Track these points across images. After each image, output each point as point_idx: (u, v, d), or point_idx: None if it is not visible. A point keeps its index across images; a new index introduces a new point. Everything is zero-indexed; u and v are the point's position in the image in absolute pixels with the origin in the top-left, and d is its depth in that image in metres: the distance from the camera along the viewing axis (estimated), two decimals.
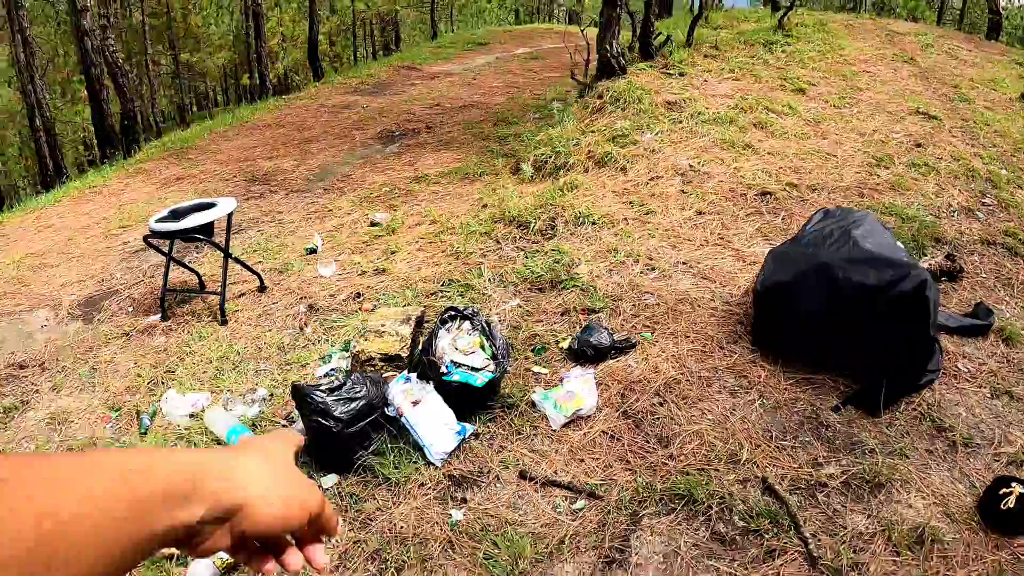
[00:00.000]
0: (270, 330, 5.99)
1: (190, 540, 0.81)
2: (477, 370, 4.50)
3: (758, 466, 4.08)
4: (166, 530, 0.76)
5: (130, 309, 6.70)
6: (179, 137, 13.97)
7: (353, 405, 4.23)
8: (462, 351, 4.59)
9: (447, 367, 4.50)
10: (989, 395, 4.81)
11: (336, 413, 4.16)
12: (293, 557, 0.95)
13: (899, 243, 5.06)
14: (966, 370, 5.04)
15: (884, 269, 4.61)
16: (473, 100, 13.83)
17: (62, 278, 7.52)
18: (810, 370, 4.84)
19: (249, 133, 13.03)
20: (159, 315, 6.41)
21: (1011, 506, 3.68)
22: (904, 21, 19.55)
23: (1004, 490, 3.75)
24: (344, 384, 4.33)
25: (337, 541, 3.78)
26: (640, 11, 11.41)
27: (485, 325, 4.73)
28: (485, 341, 4.65)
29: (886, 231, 5.19)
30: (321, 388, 4.28)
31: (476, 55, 19.68)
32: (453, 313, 4.84)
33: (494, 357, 4.58)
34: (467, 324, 4.75)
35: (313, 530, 0.96)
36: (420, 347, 4.88)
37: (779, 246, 5.45)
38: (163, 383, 5.44)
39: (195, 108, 40.99)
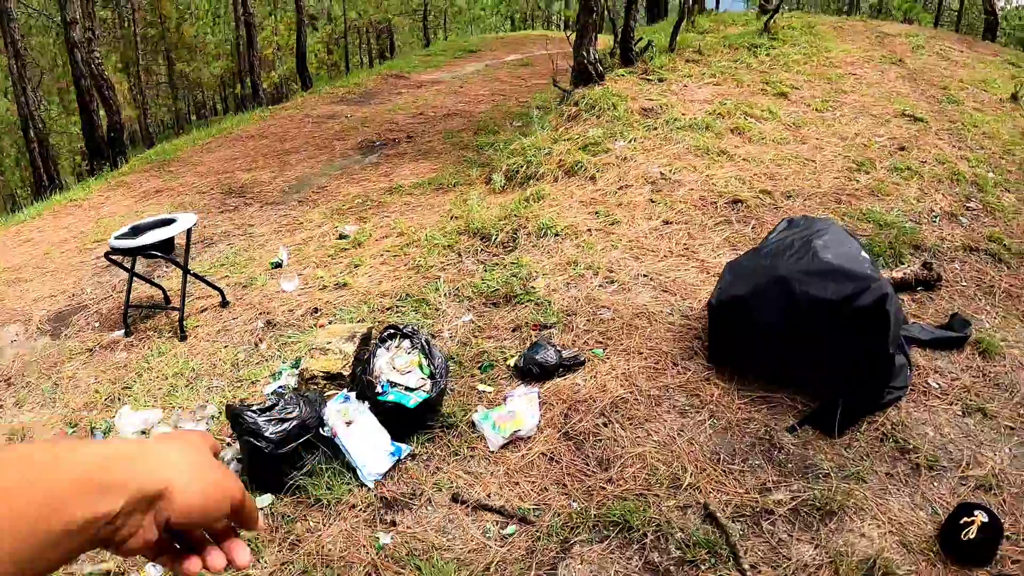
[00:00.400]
0: (227, 346, 5.93)
1: (115, 536, 0.77)
2: (412, 390, 4.34)
3: (701, 491, 3.89)
4: (86, 522, 0.72)
5: (96, 324, 6.66)
6: (164, 149, 13.94)
7: (285, 426, 4.13)
8: (399, 370, 4.43)
9: (382, 387, 4.36)
10: (960, 413, 4.61)
11: (267, 433, 4.07)
12: (215, 557, 0.91)
13: (864, 253, 4.83)
14: (937, 386, 4.84)
15: (843, 282, 4.41)
16: (457, 109, 13.71)
17: (35, 293, 7.51)
18: (767, 388, 4.64)
19: (232, 144, 12.94)
20: (123, 330, 6.37)
21: (972, 536, 3.47)
22: (899, 23, 19.38)
23: (965, 519, 3.55)
24: (277, 404, 4.23)
25: (264, 563, 3.67)
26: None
27: (425, 343, 4.58)
28: (423, 360, 4.50)
29: (852, 240, 4.98)
30: (253, 408, 4.20)
31: (466, 63, 19.58)
32: (393, 331, 4.68)
33: (432, 376, 4.43)
34: (407, 342, 4.60)
35: (234, 521, 0.93)
36: (360, 366, 4.72)
37: (738, 258, 5.25)
38: (119, 399, 5.41)
39: (194, 117, 41.01)
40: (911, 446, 4.24)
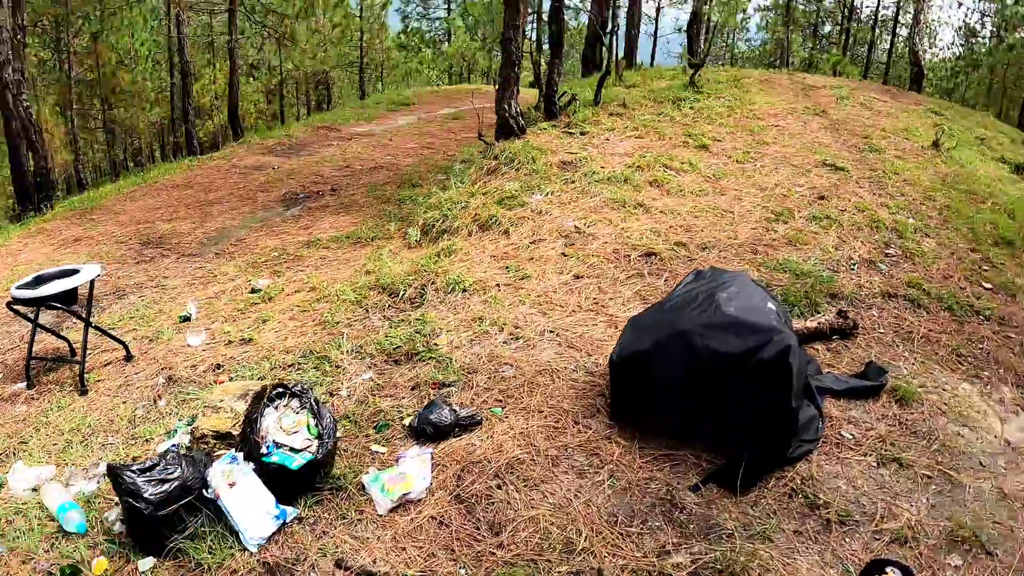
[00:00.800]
0: (126, 402, 5.75)
1: None
2: (297, 451, 4.18)
3: (595, 556, 3.73)
4: None
5: (0, 375, 6.36)
6: (88, 196, 13.69)
7: (165, 487, 3.98)
8: (285, 431, 4.27)
9: (268, 447, 4.19)
10: (875, 463, 4.53)
11: (146, 495, 3.91)
12: None
13: (771, 304, 4.75)
14: (850, 437, 4.76)
15: (746, 335, 4.33)
16: (385, 162, 13.63)
17: None
18: (671, 446, 4.51)
19: (156, 194, 12.71)
20: (25, 383, 6.17)
21: None
22: (827, 76, 19.73)
23: None
24: (158, 464, 4.06)
25: None
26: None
27: (313, 403, 4.42)
28: (311, 420, 4.33)
29: (759, 291, 4.90)
30: (133, 468, 4.04)
31: (399, 115, 19.58)
32: (282, 390, 4.51)
33: (319, 437, 4.26)
34: (295, 402, 4.44)
35: None
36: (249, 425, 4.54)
37: (641, 313, 5.16)
38: (14, 454, 5.19)
39: (131, 164, 40.45)
40: (822, 501, 4.14)
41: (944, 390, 5.41)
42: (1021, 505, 4.37)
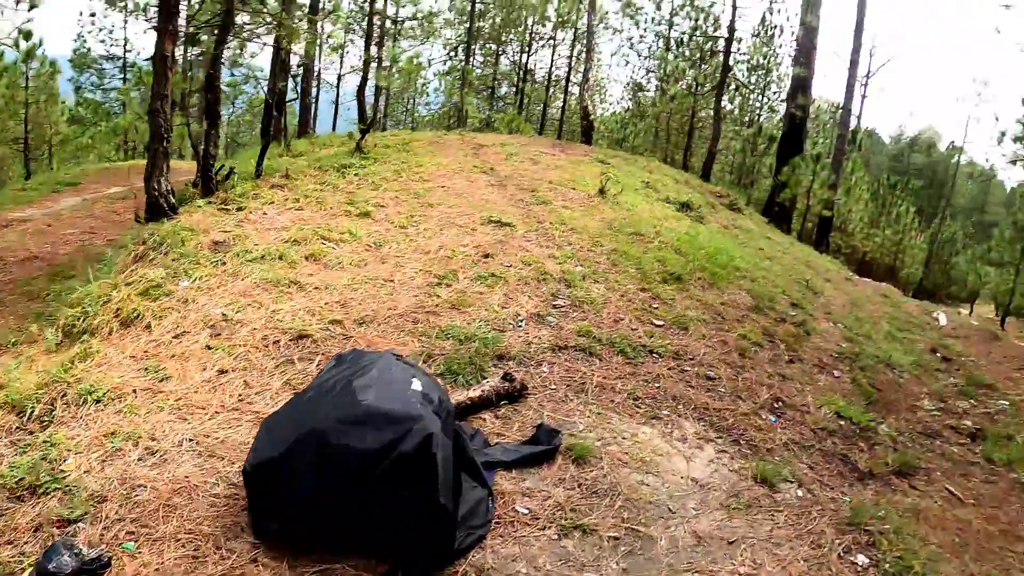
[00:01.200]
0: None
1: None
2: None
3: None
4: None
5: None
6: None
7: None
8: None
9: None
10: (556, 536, 4.36)
11: None
12: None
13: (417, 384, 4.42)
14: (526, 511, 4.56)
15: (384, 427, 4.02)
16: (40, 251, 12.43)
17: None
18: (324, 560, 4.05)
19: None
20: None
21: None
22: (503, 134, 20.20)
23: None
24: None
25: None
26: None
27: None
28: None
29: (405, 372, 4.57)
30: None
31: (63, 197, 18.11)
32: None
33: None
34: None
35: None
36: None
37: (276, 411, 4.71)
38: None
39: None
40: None
41: (624, 439, 5.41)
42: (718, 544, 4.33)
